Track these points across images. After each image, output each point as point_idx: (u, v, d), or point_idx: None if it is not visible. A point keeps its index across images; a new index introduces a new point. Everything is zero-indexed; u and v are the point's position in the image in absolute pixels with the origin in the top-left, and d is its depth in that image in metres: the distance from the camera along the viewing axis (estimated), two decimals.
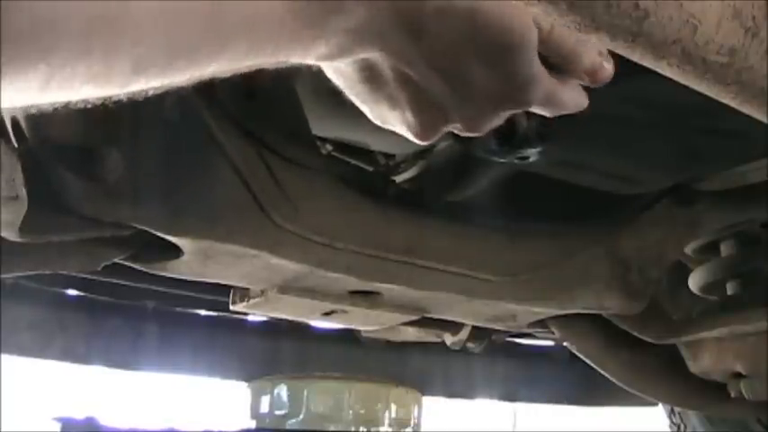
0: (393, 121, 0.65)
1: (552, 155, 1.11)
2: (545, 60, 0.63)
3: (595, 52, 0.62)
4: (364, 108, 0.65)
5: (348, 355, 2.63)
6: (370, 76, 0.61)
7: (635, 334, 1.67)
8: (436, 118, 0.64)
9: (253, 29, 0.50)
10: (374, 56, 0.59)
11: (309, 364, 2.55)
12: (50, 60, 0.41)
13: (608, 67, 0.64)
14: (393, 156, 1.52)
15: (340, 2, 0.53)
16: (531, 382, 2.87)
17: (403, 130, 0.65)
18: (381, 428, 2.46)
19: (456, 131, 0.66)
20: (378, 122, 0.66)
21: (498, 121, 0.65)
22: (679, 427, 2.39)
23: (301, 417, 2.41)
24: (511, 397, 2.95)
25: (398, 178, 1.48)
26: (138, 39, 0.44)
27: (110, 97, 0.48)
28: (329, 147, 1.47)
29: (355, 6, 0.54)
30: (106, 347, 2.33)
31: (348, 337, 2.52)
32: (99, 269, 1.29)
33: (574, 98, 0.66)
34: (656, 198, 1.57)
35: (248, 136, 1.21)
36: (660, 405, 2.47)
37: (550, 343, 2.68)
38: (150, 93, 0.50)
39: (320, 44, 0.55)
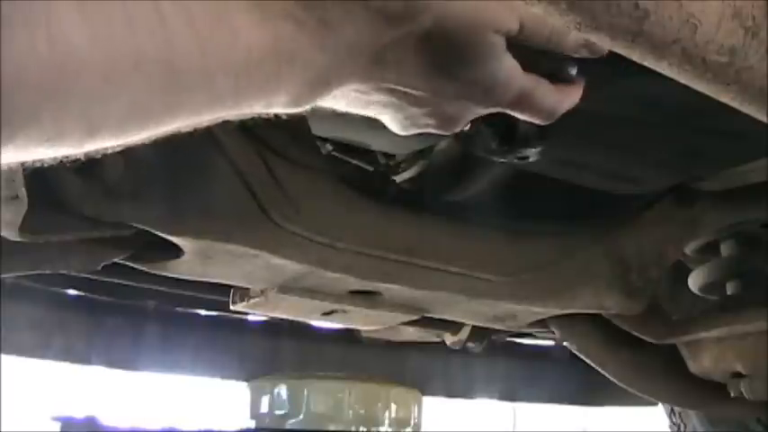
0: (376, 117, 0.67)
1: (552, 155, 1.11)
2: (535, 62, 0.64)
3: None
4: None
5: (348, 355, 2.63)
6: (343, 101, 0.63)
7: (635, 334, 1.67)
8: (409, 123, 0.67)
9: (208, 87, 0.49)
10: (336, 91, 0.60)
11: (309, 364, 2.55)
12: (3, 132, 0.40)
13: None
14: (393, 156, 1.51)
15: (295, 55, 0.53)
16: (531, 382, 2.86)
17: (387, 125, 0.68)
18: (381, 428, 2.46)
19: (434, 132, 0.69)
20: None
21: (472, 116, 0.68)
22: (679, 427, 2.39)
23: (301, 417, 2.42)
24: (511, 397, 2.95)
25: (398, 178, 1.48)
26: (87, 104, 0.43)
27: (66, 157, 0.47)
28: (329, 147, 1.47)
29: (311, 54, 0.54)
30: (106, 347, 2.33)
31: (348, 337, 2.52)
32: (99, 269, 1.29)
33: (554, 99, 0.67)
34: (656, 198, 1.57)
35: (248, 136, 1.21)
36: (660, 405, 2.47)
37: (550, 343, 2.68)
38: (109, 151, 0.49)
39: (281, 95, 0.55)
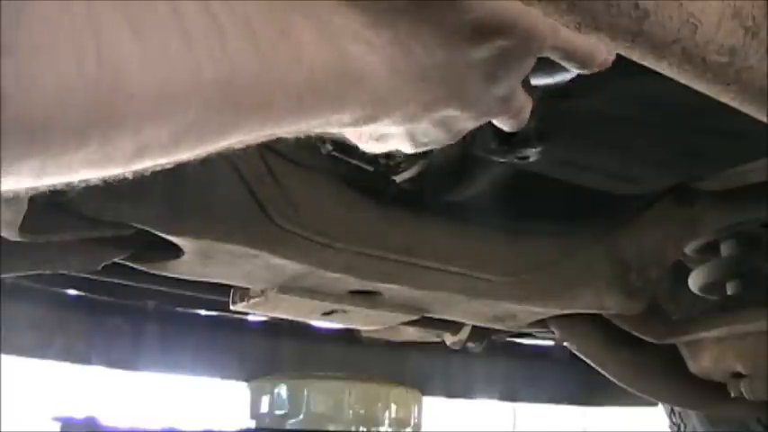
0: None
1: (552, 155, 1.11)
2: None
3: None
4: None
5: (348, 355, 2.63)
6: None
7: (635, 334, 1.67)
8: (426, 140, 0.63)
9: (267, 107, 0.46)
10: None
11: (309, 364, 2.55)
12: (43, 156, 0.38)
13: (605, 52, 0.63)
14: (393, 156, 1.51)
15: (362, 74, 0.50)
16: (532, 382, 2.87)
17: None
18: (381, 428, 2.46)
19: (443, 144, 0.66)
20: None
21: (519, 91, 0.64)
22: (679, 427, 2.39)
23: (301, 417, 2.41)
24: (511, 397, 2.95)
25: (398, 178, 1.48)
26: (139, 127, 0.40)
27: (114, 177, 0.45)
28: (329, 147, 1.47)
29: (380, 76, 0.51)
30: (106, 347, 2.33)
31: (348, 337, 2.52)
32: (99, 269, 1.29)
33: (528, 110, 0.65)
34: (656, 198, 1.57)
35: None
36: (660, 405, 2.47)
37: (550, 343, 2.68)
38: (158, 168, 0.46)
39: (344, 115, 0.52)
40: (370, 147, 0.62)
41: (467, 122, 0.62)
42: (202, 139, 0.45)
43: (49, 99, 0.36)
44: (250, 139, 0.50)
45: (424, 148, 0.65)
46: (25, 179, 0.39)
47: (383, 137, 0.60)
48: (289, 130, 0.51)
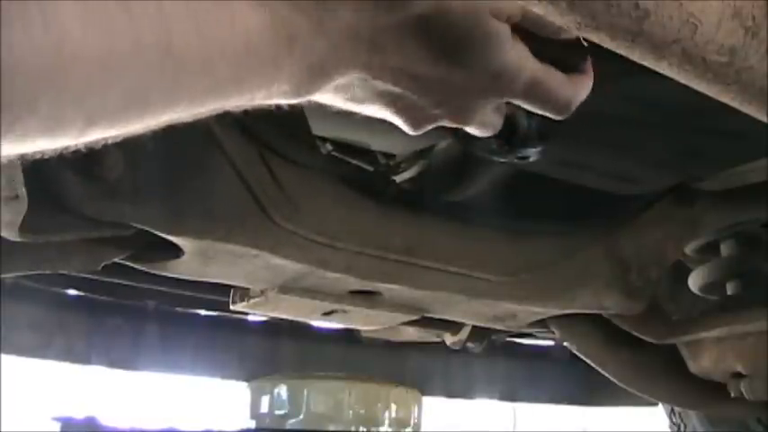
0: (387, 118, 0.66)
1: (552, 155, 1.11)
2: (545, 51, 0.63)
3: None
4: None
5: (348, 355, 2.63)
6: (343, 94, 0.61)
7: (635, 334, 1.67)
8: (420, 116, 0.65)
9: (208, 73, 0.48)
10: (340, 80, 0.59)
11: (309, 364, 2.55)
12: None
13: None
14: (393, 156, 1.51)
15: (294, 39, 0.52)
16: (532, 382, 2.86)
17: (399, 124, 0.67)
18: (381, 428, 2.46)
19: (448, 125, 0.67)
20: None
21: (488, 109, 0.66)
22: (679, 427, 2.39)
23: (301, 417, 2.41)
24: (511, 397, 2.95)
25: (398, 178, 1.48)
26: (85, 91, 0.42)
27: (66, 147, 0.46)
28: (329, 147, 1.47)
29: (310, 38, 0.53)
30: (106, 347, 2.33)
31: (348, 337, 2.52)
32: (99, 269, 1.29)
33: (567, 90, 0.65)
34: (656, 198, 1.57)
35: (248, 135, 1.21)
36: (660, 405, 2.47)
37: (550, 343, 2.68)
38: (110, 141, 0.48)
39: (281, 82, 0.54)
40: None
41: (458, 100, 0.64)
42: (149, 106, 0.47)
43: (3, 64, 0.38)
44: (198, 111, 0.51)
45: (428, 126, 0.65)
46: None
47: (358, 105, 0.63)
48: (234, 100, 0.53)
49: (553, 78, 0.64)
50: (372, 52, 0.58)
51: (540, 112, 0.67)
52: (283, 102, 0.57)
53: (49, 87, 0.40)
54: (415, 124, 0.65)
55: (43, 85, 0.40)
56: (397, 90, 0.62)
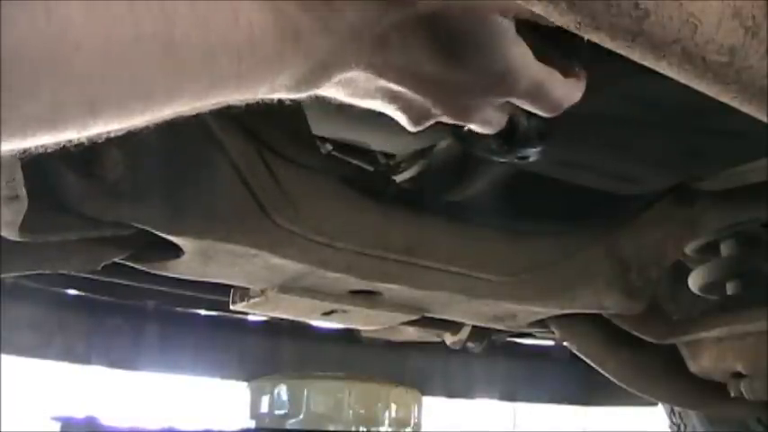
0: (388, 113, 0.66)
1: (552, 155, 1.11)
2: (545, 52, 0.63)
3: None
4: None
5: (348, 355, 2.63)
6: (345, 89, 0.62)
7: (635, 334, 1.67)
8: (421, 113, 0.65)
9: (210, 66, 0.48)
10: (342, 76, 0.59)
11: (309, 364, 2.55)
12: None
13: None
14: (393, 156, 1.52)
15: (298, 36, 0.52)
16: (532, 382, 2.87)
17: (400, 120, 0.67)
18: (381, 428, 2.46)
19: (448, 121, 0.67)
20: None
21: (489, 108, 0.66)
22: (679, 427, 2.39)
23: (301, 417, 2.41)
24: (511, 397, 2.95)
25: (398, 178, 1.48)
26: (87, 80, 0.43)
27: (70, 141, 0.46)
28: (329, 147, 1.47)
29: (314, 35, 0.53)
30: (106, 347, 2.33)
31: (348, 337, 2.52)
32: (99, 269, 1.29)
33: (567, 91, 0.66)
34: (656, 198, 1.57)
35: (248, 135, 1.21)
36: (660, 405, 2.47)
37: (550, 343, 2.68)
38: (112, 134, 0.48)
39: (284, 77, 0.54)
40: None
41: (460, 98, 0.64)
42: (151, 97, 0.47)
43: (6, 55, 0.38)
44: (200, 105, 0.51)
45: (427, 123, 0.66)
46: None
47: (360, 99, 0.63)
48: (236, 96, 0.53)
49: (553, 80, 0.65)
50: (377, 51, 0.58)
51: (531, 110, 0.67)
52: (284, 96, 0.57)
53: (51, 74, 0.41)
54: (415, 121, 0.66)
55: (45, 72, 0.40)
56: (400, 88, 0.62)
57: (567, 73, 0.67)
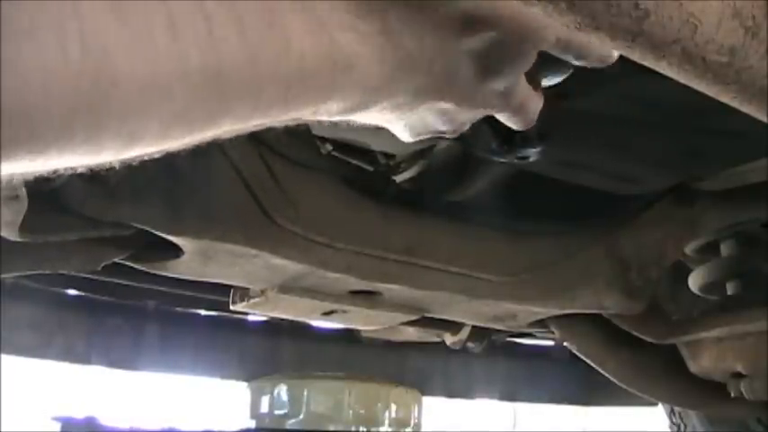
0: (388, 127, 0.65)
1: (552, 155, 1.11)
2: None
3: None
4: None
5: (348, 355, 2.63)
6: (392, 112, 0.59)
7: (635, 334, 1.67)
8: (425, 129, 0.64)
9: (256, 96, 0.46)
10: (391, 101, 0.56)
11: (309, 364, 2.55)
12: (29, 145, 0.37)
13: None
14: (393, 156, 1.51)
15: (351, 67, 0.50)
16: (532, 382, 2.87)
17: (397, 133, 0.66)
18: (381, 428, 2.46)
19: (445, 135, 0.66)
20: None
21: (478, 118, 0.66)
22: (679, 427, 2.39)
23: (301, 417, 2.41)
24: (511, 397, 2.95)
25: (398, 178, 1.48)
26: (125, 116, 0.40)
27: (101, 164, 0.44)
28: (329, 147, 1.47)
29: (369, 68, 0.51)
30: (106, 347, 2.33)
31: (348, 337, 2.52)
32: (99, 269, 1.29)
33: (537, 104, 0.65)
34: (655, 198, 1.57)
35: (248, 135, 1.21)
36: (660, 405, 2.47)
37: (550, 343, 2.68)
38: (146, 157, 0.46)
39: (332, 104, 0.52)
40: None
41: (464, 114, 0.62)
42: (191, 128, 0.45)
43: (32, 86, 0.35)
44: (239, 128, 0.49)
45: (424, 137, 0.65)
46: (10, 167, 0.39)
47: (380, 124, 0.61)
48: (278, 119, 0.51)
49: (531, 96, 0.64)
50: (426, 79, 0.56)
51: (509, 123, 0.66)
52: (326, 119, 0.55)
53: (86, 112, 0.38)
54: (414, 136, 0.64)
55: (80, 110, 0.37)
56: (424, 114, 0.60)
57: (532, 83, 0.67)
